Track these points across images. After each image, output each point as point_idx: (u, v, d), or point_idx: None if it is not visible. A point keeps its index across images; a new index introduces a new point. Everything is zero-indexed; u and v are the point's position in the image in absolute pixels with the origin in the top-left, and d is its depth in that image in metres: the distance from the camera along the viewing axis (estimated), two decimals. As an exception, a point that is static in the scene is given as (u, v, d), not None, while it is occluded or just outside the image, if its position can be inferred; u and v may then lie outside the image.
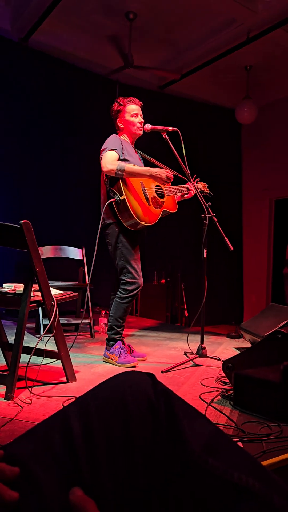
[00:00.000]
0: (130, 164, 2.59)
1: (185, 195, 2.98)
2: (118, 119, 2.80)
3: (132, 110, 2.76)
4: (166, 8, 4.53)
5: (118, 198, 2.54)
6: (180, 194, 2.96)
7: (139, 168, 2.62)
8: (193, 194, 2.97)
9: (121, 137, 2.78)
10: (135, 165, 2.61)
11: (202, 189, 3.03)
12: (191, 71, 5.78)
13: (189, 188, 2.93)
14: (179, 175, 2.96)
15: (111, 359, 2.62)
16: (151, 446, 0.53)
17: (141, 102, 2.82)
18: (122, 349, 2.63)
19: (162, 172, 2.64)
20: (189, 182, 2.95)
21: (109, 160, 2.54)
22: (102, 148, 2.65)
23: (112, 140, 2.67)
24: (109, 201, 2.57)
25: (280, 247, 6.83)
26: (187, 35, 5.07)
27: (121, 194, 2.54)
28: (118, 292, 2.71)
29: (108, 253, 2.75)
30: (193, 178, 2.98)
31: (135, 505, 0.50)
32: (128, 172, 2.54)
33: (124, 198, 2.53)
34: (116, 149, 2.60)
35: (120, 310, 2.67)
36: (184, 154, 2.71)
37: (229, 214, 6.64)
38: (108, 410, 0.55)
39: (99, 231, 2.62)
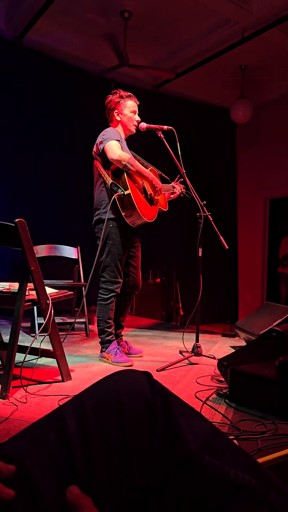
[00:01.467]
0: (135, 162, 2.56)
1: (171, 195, 2.98)
2: (115, 110, 2.72)
3: (132, 106, 2.72)
4: (161, 7, 4.53)
5: (122, 193, 2.49)
6: (167, 193, 2.97)
7: (144, 168, 2.61)
8: (178, 194, 2.99)
9: (116, 129, 2.74)
10: (140, 166, 2.59)
11: (181, 190, 3.01)
12: (186, 70, 5.79)
13: (174, 187, 2.94)
14: (163, 175, 2.97)
15: (107, 359, 2.61)
16: (148, 444, 0.53)
17: (138, 102, 2.79)
18: (117, 348, 2.62)
19: (159, 184, 2.68)
20: (173, 183, 2.96)
21: (118, 149, 2.48)
22: (102, 138, 2.57)
23: (113, 131, 2.61)
24: (115, 195, 2.50)
25: (275, 246, 6.87)
26: (182, 34, 5.07)
27: (126, 189, 2.49)
28: (99, 294, 2.66)
29: None
30: (177, 179, 2.98)
31: (133, 503, 0.50)
32: (136, 169, 2.53)
33: (130, 193, 2.48)
34: (119, 140, 2.55)
35: (107, 311, 2.64)
36: (179, 153, 2.71)
37: (224, 213, 6.66)
38: (104, 409, 0.55)
39: (103, 230, 2.59)
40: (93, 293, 4.80)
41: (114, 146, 2.48)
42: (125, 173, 2.52)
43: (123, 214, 2.54)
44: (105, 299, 2.64)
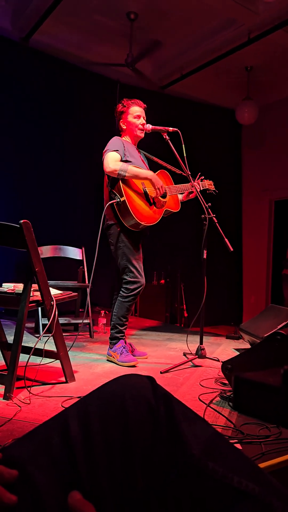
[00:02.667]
0: (132, 165, 2.59)
1: (190, 195, 2.99)
2: (121, 120, 2.82)
3: (135, 111, 2.77)
4: (167, 8, 4.53)
5: (118, 200, 2.56)
6: (184, 193, 2.97)
7: (141, 170, 2.63)
8: (195, 194, 2.98)
9: (123, 138, 2.79)
10: (137, 167, 2.62)
11: (207, 187, 3.04)
12: (192, 72, 5.78)
13: (194, 186, 2.94)
14: (184, 174, 2.96)
15: (113, 357, 2.65)
16: (151, 449, 0.53)
17: (144, 105, 2.83)
18: (124, 348, 2.66)
19: (160, 183, 2.67)
20: (192, 181, 2.95)
21: (111, 160, 2.55)
22: (104, 150, 2.66)
23: (113, 141, 2.68)
24: (110, 202, 2.59)
25: (280, 248, 6.83)
26: (188, 36, 5.07)
27: (121, 196, 2.55)
28: (120, 291, 2.72)
29: (108, 253, 2.76)
30: (198, 177, 2.99)
31: (134, 508, 0.50)
32: (131, 174, 2.56)
33: (125, 200, 2.54)
34: (117, 150, 2.61)
35: (123, 308, 2.69)
36: (185, 155, 2.71)
37: (229, 214, 6.65)
38: (107, 414, 0.55)
39: (100, 231, 2.62)
40: (97, 294, 4.82)
41: (109, 158, 2.56)
42: (120, 181, 2.56)
43: (121, 219, 2.61)
44: (125, 297, 2.70)
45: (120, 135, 2.84)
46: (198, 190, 2.93)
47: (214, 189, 3.07)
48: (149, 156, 2.93)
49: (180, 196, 3.00)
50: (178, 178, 2.96)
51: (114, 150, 2.60)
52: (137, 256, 2.70)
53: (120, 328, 2.70)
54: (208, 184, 3.08)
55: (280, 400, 1.64)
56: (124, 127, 2.82)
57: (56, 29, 4.92)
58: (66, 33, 5.03)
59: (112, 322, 2.74)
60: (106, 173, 2.59)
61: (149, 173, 2.65)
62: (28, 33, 4.94)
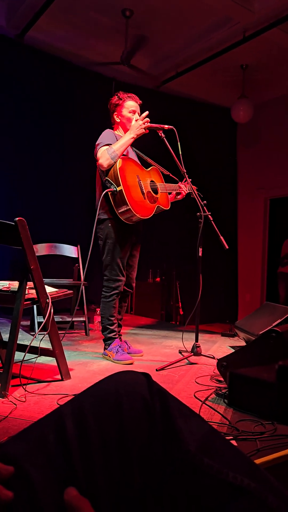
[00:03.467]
0: (114, 144, 2.57)
1: (178, 196, 2.97)
2: (115, 112, 2.78)
3: (130, 106, 2.74)
4: (163, 5, 4.52)
5: (115, 189, 2.52)
6: (173, 193, 2.95)
7: (122, 140, 2.59)
8: (184, 195, 2.97)
9: (115, 132, 2.76)
10: (118, 142, 2.58)
11: (192, 190, 3.00)
12: (187, 69, 5.77)
13: (180, 187, 2.93)
14: (171, 175, 2.96)
15: (109, 356, 2.65)
16: (146, 445, 0.53)
17: (140, 101, 2.81)
18: (119, 346, 2.66)
19: (137, 125, 2.59)
20: (180, 183, 2.95)
21: (102, 154, 2.54)
22: (97, 143, 2.64)
23: (106, 135, 2.66)
24: (106, 190, 2.53)
25: (275, 246, 6.86)
26: (184, 33, 5.06)
27: (118, 185, 2.51)
28: (102, 291, 2.72)
29: None
30: (185, 179, 2.97)
31: (130, 504, 0.50)
32: (120, 151, 2.55)
33: (122, 189, 2.50)
34: (110, 144, 2.59)
35: (108, 309, 2.69)
36: (180, 152, 2.70)
37: (224, 212, 6.66)
38: (103, 410, 0.55)
39: (94, 229, 2.61)
40: (93, 292, 4.82)
41: (103, 154, 2.54)
42: (118, 170, 2.52)
43: (116, 211, 2.56)
44: (107, 296, 2.69)
45: (112, 128, 2.81)
46: (186, 191, 2.93)
47: (197, 193, 3.02)
48: (141, 155, 2.91)
49: (169, 196, 2.98)
50: (165, 178, 2.96)
51: (107, 144, 2.58)
52: (123, 255, 2.68)
53: (111, 328, 2.70)
54: (194, 188, 3.04)
55: (274, 395, 1.65)
56: (118, 120, 2.78)
57: (51, 26, 4.90)
58: (61, 30, 5.01)
59: (102, 325, 2.73)
60: (103, 169, 2.57)
61: (129, 135, 2.59)
62: (23, 30, 4.91)
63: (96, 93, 5.70)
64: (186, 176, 2.80)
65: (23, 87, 5.16)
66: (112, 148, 2.54)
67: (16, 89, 5.10)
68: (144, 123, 2.59)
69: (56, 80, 5.48)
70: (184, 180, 2.95)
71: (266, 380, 1.68)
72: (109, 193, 2.54)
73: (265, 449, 1.35)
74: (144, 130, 2.61)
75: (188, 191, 2.96)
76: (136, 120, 2.62)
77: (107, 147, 2.56)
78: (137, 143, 2.90)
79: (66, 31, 5.05)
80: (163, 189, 2.83)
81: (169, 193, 2.94)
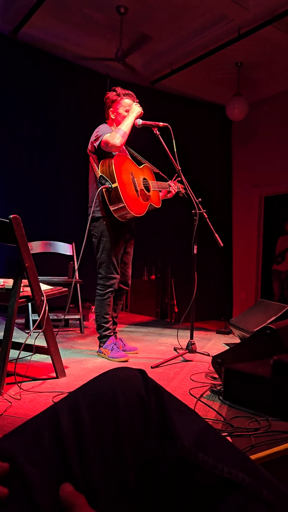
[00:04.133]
0: (121, 125, 2.59)
1: (168, 194, 2.97)
2: (111, 109, 2.76)
3: (127, 104, 2.72)
4: (157, 2, 4.50)
5: (110, 186, 2.51)
6: (163, 192, 2.95)
7: (127, 120, 2.62)
8: (174, 193, 2.97)
9: (110, 127, 2.75)
10: (123, 122, 2.61)
11: (180, 189, 3.00)
12: (182, 67, 5.76)
13: (170, 185, 2.93)
14: (161, 173, 2.96)
15: (104, 354, 2.64)
16: (142, 441, 0.53)
17: (137, 99, 2.79)
18: (114, 344, 2.65)
19: (138, 108, 2.69)
20: (170, 181, 2.95)
21: (112, 138, 2.52)
22: (95, 137, 2.61)
23: (104, 127, 2.65)
24: (101, 187, 2.52)
25: (270, 243, 6.89)
26: (178, 31, 5.05)
27: (114, 182, 2.50)
28: (97, 289, 2.71)
29: None
30: (174, 177, 2.97)
31: (126, 499, 0.50)
32: (128, 130, 2.59)
33: (117, 186, 2.49)
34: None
35: (103, 307, 2.69)
36: (175, 150, 2.70)
37: (219, 210, 6.67)
38: (98, 406, 0.55)
39: (88, 226, 2.61)
40: (88, 290, 4.81)
41: (110, 138, 2.53)
42: (113, 167, 2.52)
43: (111, 208, 2.56)
44: (102, 294, 2.69)
45: (106, 123, 2.78)
46: (175, 190, 2.93)
47: (184, 192, 3.02)
48: (133, 153, 2.90)
49: (159, 194, 2.98)
50: (155, 176, 2.96)
51: (109, 133, 2.57)
52: (117, 253, 2.68)
53: (106, 325, 2.70)
54: (181, 187, 3.04)
55: (270, 391, 1.66)
56: (113, 117, 2.76)
57: (45, 22, 4.87)
58: (55, 26, 4.98)
59: (97, 323, 2.73)
60: (115, 151, 2.56)
61: (131, 115, 2.65)
62: (16, 26, 4.88)
63: (90, 90, 5.68)
64: (181, 174, 2.79)
65: (16, 83, 5.13)
66: (120, 129, 2.55)
67: (9, 85, 5.07)
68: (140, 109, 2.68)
69: (50, 77, 5.45)
70: (174, 178, 2.96)
71: (261, 375, 1.68)
72: (103, 190, 2.53)
73: (259, 445, 1.36)
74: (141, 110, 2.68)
75: (177, 190, 2.96)
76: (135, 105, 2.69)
77: (110, 133, 2.56)
78: (130, 140, 2.89)
79: (60, 28, 5.02)
80: (155, 187, 2.83)
81: (160, 191, 2.95)
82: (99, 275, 2.70)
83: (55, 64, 5.52)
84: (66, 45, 5.35)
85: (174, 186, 2.93)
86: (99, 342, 2.73)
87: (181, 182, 2.90)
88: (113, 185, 2.50)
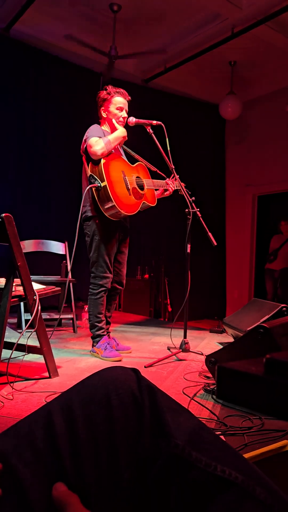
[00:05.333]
0: (109, 135, 2.57)
1: (165, 192, 2.97)
2: (102, 107, 2.74)
3: (118, 102, 2.71)
4: (151, 0, 4.50)
5: (99, 184, 2.49)
6: (160, 190, 2.94)
7: (115, 133, 2.60)
8: (172, 192, 2.97)
9: (102, 127, 2.74)
10: (113, 134, 2.59)
11: (179, 187, 3.00)
12: (176, 65, 5.77)
13: (167, 184, 2.93)
14: (158, 172, 2.95)
15: (97, 353, 2.63)
16: (135, 440, 0.53)
17: (129, 97, 2.76)
18: (108, 343, 2.64)
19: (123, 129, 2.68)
20: (167, 180, 2.94)
21: (94, 144, 2.50)
22: (85, 137, 2.60)
23: (94, 129, 2.63)
24: (90, 186, 2.50)
25: (263, 243, 6.92)
26: (172, 29, 5.05)
27: (102, 180, 2.49)
28: (89, 289, 2.70)
29: None
30: (172, 176, 2.97)
31: (120, 499, 0.50)
32: (113, 142, 2.55)
33: (106, 185, 2.47)
34: (100, 137, 2.55)
35: (97, 306, 2.67)
36: (168, 148, 2.70)
37: (212, 209, 6.69)
38: (91, 406, 0.55)
39: (78, 224, 2.59)
40: (81, 289, 4.80)
41: (95, 144, 2.51)
42: (102, 165, 2.51)
43: (101, 208, 2.54)
44: (95, 294, 2.67)
45: (99, 123, 2.77)
46: (173, 188, 2.93)
47: (186, 190, 3.02)
48: (127, 150, 2.89)
49: (156, 192, 2.97)
50: (153, 175, 2.95)
51: (97, 137, 2.54)
52: (110, 252, 2.67)
53: (99, 325, 2.68)
54: (183, 185, 3.03)
55: (262, 389, 1.67)
56: (104, 116, 2.74)
57: (38, 20, 4.85)
58: (48, 23, 4.96)
59: (90, 322, 2.72)
60: (95, 158, 2.52)
61: (120, 130, 2.63)
62: (9, 23, 4.85)
63: (83, 88, 5.66)
64: (174, 172, 2.79)
65: (7, 80, 5.09)
66: (107, 138, 2.53)
67: (2, 81, 5.03)
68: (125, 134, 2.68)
69: (43, 75, 5.42)
70: (172, 176, 2.95)
71: (254, 374, 1.69)
72: (93, 189, 2.52)
73: (252, 444, 1.37)
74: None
75: (175, 188, 2.95)
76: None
77: (98, 139, 2.53)
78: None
79: (53, 25, 5.00)
80: (150, 185, 2.82)
81: (156, 190, 2.94)
82: (91, 274, 2.69)
83: (47, 62, 5.49)
84: (59, 42, 5.33)
85: (171, 185, 2.92)
86: (92, 341, 2.72)
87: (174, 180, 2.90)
88: (102, 184, 2.48)
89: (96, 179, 2.51)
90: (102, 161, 2.51)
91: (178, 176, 2.82)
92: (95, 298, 2.67)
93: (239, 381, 1.77)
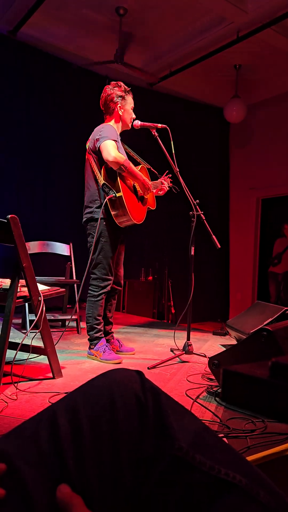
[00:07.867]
0: (131, 165, 2.56)
1: (159, 192, 2.98)
2: (119, 104, 2.65)
3: (131, 102, 2.71)
4: (157, 4, 4.52)
5: (114, 194, 2.49)
6: (155, 190, 2.95)
7: (137, 171, 2.60)
8: (166, 191, 2.98)
9: (111, 123, 2.69)
10: (135, 169, 2.59)
11: (171, 185, 3.01)
12: (181, 69, 5.78)
13: (163, 183, 2.93)
14: (152, 169, 2.96)
15: (95, 356, 2.60)
16: (139, 442, 0.53)
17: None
18: (106, 346, 2.61)
19: (149, 183, 2.69)
20: (160, 178, 2.95)
21: (113, 149, 2.44)
22: (99, 135, 2.52)
23: (110, 130, 2.55)
24: (107, 198, 2.49)
25: (266, 246, 6.91)
26: (177, 32, 5.06)
27: (118, 191, 2.50)
28: (90, 290, 2.67)
29: None
30: (165, 174, 2.98)
31: (123, 500, 0.50)
32: (128, 172, 2.53)
33: (121, 195, 2.48)
34: (116, 141, 2.51)
35: (96, 308, 2.64)
36: (173, 152, 2.71)
37: (216, 212, 6.69)
38: (95, 407, 0.55)
39: (84, 218, 2.58)
40: (85, 290, 4.81)
41: (110, 146, 2.44)
42: (118, 176, 2.51)
43: (112, 213, 2.55)
44: (95, 295, 2.65)
45: (103, 120, 2.72)
46: (167, 188, 2.94)
47: (172, 185, 3.02)
48: (128, 151, 2.89)
49: (153, 195, 2.98)
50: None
51: (113, 140, 2.49)
52: (114, 254, 2.66)
53: (98, 327, 2.65)
54: (170, 182, 3.04)
55: (267, 391, 1.67)
56: (120, 113, 2.68)
57: (45, 23, 4.87)
58: (54, 27, 4.99)
59: (88, 324, 2.66)
60: (107, 161, 2.46)
61: (141, 175, 2.64)
62: (16, 26, 4.88)
63: (89, 91, 5.67)
64: (179, 175, 2.79)
65: (14, 83, 5.12)
66: (129, 163, 2.52)
67: (6, 84, 5.06)
68: (150, 189, 2.74)
69: (48, 77, 5.45)
70: (165, 174, 2.97)
71: (259, 377, 1.69)
72: (107, 201, 2.52)
73: (255, 447, 1.36)
74: (146, 190, 2.71)
75: (169, 187, 2.97)
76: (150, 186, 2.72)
77: (114, 142, 2.48)
78: (128, 140, 2.89)
79: (60, 28, 5.02)
80: (154, 188, 2.84)
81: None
82: (93, 275, 2.66)
83: (53, 65, 5.51)
84: (64, 45, 5.36)
85: (166, 183, 2.94)
86: (89, 343, 2.69)
87: (178, 183, 2.90)
88: (118, 195, 2.49)
89: (111, 189, 2.50)
90: (118, 173, 2.51)
91: (182, 179, 2.82)
92: (95, 300, 2.65)
93: (244, 384, 1.77)
